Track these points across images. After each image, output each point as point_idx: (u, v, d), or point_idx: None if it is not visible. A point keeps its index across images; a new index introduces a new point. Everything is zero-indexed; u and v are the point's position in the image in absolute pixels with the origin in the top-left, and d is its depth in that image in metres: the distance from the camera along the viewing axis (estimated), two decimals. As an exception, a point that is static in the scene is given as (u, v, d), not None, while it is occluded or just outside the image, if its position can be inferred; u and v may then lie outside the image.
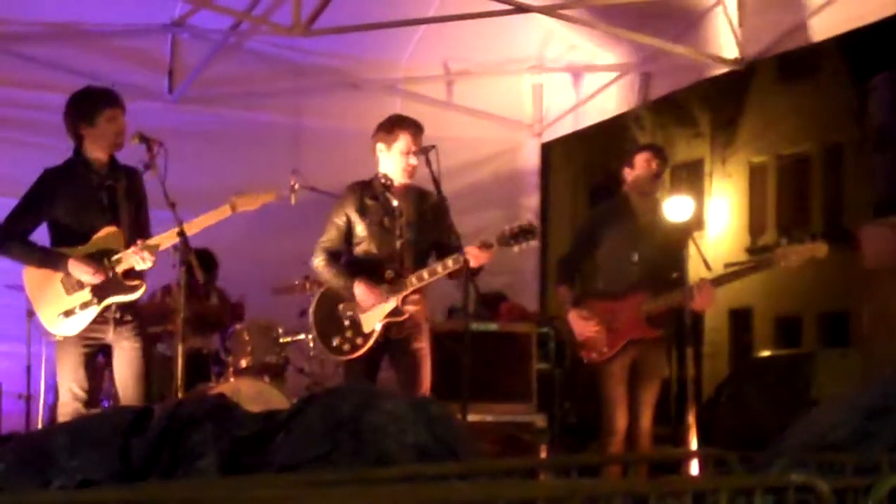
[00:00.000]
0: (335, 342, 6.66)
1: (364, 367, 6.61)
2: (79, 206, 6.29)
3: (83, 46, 9.47)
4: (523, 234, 6.36)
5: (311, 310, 6.89)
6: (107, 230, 6.28)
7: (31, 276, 6.35)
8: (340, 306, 6.65)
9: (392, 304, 6.52)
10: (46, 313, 6.30)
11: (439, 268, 6.44)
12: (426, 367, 6.61)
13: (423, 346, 6.64)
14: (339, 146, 9.74)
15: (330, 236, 6.72)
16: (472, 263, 6.29)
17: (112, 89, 6.49)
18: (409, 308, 6.57)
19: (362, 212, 6.65)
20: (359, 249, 6.67)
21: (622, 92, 10.63)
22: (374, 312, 6.55)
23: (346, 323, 6.62)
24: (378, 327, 6.55)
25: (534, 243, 6.47)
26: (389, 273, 6.55)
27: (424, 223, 6.68)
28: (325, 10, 8.44)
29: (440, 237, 6.67)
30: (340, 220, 6.70)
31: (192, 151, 9.07)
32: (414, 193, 6.71)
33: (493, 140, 11.23)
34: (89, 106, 6.34)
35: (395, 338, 6.61)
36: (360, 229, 6.64)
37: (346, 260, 6.74)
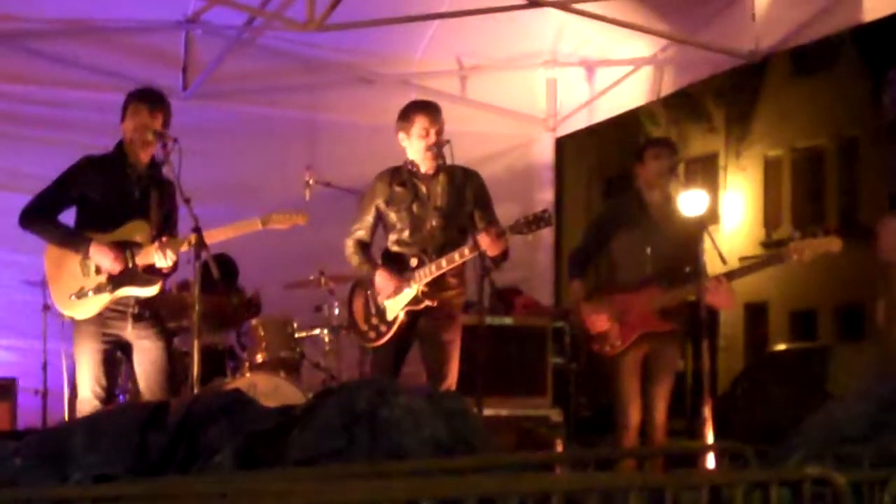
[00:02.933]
0: (363, 328, 6.74)
1: (390, 356, 6.64)
2: (111, 194, 6.37)
3: (97, 43, 9.49)
4: (537, 221, 6.37)
5: (347, 296, 6.95)
6: (135, 222, 6.34)
7: (52, 254, 6.41)
8: (369, 293, 6.69)
9: (413, 291, 6.53)
10: (59, 292, 6.36)
11: (456, 255, 6.45)
12: (454, 360, 6.60)
13: (454, 339, 6.62)
14: (354, 141, 9.75)
15: (359, 226, 6.78)
16: (492, 252, 6.30)
17: (150, 88, 6.60)
18: (444, 295, 6.57)
19: (391, 200, 6.68)
20: (393, 237, 6.71)
21: (636, 86, 10.61)
22: (396, 300, 6.57)
23: (373, 310, 6.67)
24: (401, 315, 6.57)
25: (548, 229, 6.46)
26: (414, 260, 6.57)
27: (453, 205, 6.68)
28: (339, 6, 8.44)
29: (468, 220, 6.66)
30: (369, 213, 6.75)
31: (207, 148, 9.09)
32: (444, 173, 6.69)
33: (507, 135, 11.22)
34: (124, 102, 6.47)
35: (425, 328, 6.62)
36: (392, 218, 6.69)
37: (382, 253, 6.78)
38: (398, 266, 6.61)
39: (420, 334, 6.65)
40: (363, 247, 6.76)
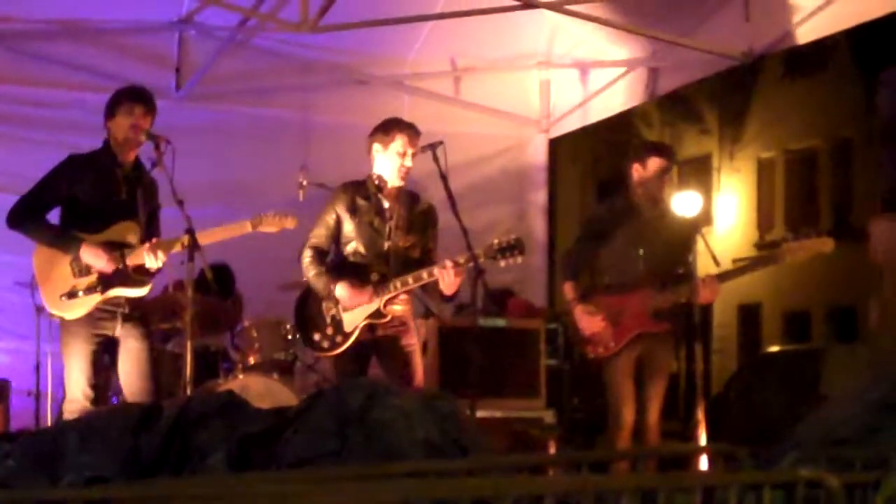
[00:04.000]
0: (315, 337, 6.70)
1: (352, 365, 6.63)
2: (98, 193, 6.35)
3: (90, 44, 9.48)
4: (510, 249, 6.35)
5: (295, 303, 6.93)
6: (124, 223, 6.34)
7: (41, 254, 6.39)
8: (324, 303, 6.67)
9: (375, 305, 6.53)
10: (49, 292, 6.34)
11: (425, 274, 6.43)
12: (417, 364, 6.62)
13: (412, 343, 6.64)
14: (347, 142, 9.68)
15: (318, 233, 6.75)
16: (449, 291, 6.34)
17: (142, 88, 6.57)
18: (395, 309, 6.58)
19: (353, 211, 6.65)
20: (347, 249, 6.69)
21: (630, 87, 10.62)
22: (356, 312, 6.57)
23: (328, 320, 6.65)
24: (360, 327, 6.56)
25: (520, 259, 6.43)
26: (375, 275, 6.56)
27: (414, 228, 6.69)
28: (333, 7, 8.44)
29: (426, 245, 6.70)
30: (330, 218, 6.72)
31: (200, 149, 9.07)
32: (406, 197, 6.72)
33: (501, 136, 11.22)
34: (113, 100, 6.45)
35: (382, 336, 6.61)
36: (350, 228, 6.65)
37: (334, 260, 6.76)
38: (355, 278, 6.60)
39: (377, 345, 6.65)
40: (321, 257, 6.74)
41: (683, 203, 6.80)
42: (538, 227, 11.21)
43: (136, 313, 6.39)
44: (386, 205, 6.66)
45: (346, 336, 6.59)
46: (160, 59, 9.72)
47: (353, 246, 6.65)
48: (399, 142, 6.60)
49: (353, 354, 6.61)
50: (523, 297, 10.46)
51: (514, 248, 6.35)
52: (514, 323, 8.82)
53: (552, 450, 8.23)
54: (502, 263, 6.39)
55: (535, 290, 11.04)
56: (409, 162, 6.59)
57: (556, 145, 11.96)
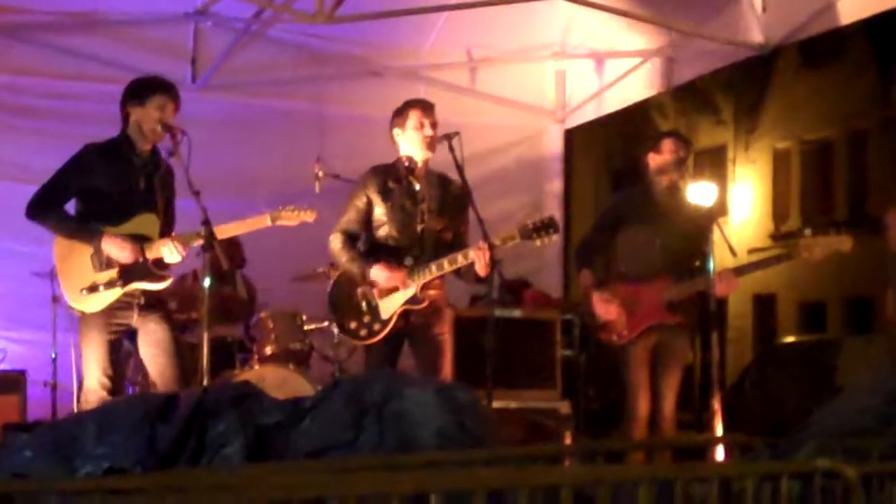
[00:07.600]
0: (352, 325, 6.66)
1: (385, 353, 6.60)
2: (116, 183, 6.30)
3: (106, 36, 9.50)
4: (545, 228, 6.35)
5: (328, 291, 6.89)
6: (144, 216, 6.31)
7: (61, 246, 6.35)
8: (359, 290, 6.64)
9: (412, 290, 6.51)
10: (70, 286, 6.30)
11: (460, 257, 6.41)
12: (447, 353, 6.60)
13: (444, 331, 6.62)
14: (363, 134, 9.73)
15: (349, 217, 6.72)
16: (485, 272, 6.30)
17: (172, 84, 6.50)
18: (430, 293, 6.57)
19: (384, 194, 6.63)
20: (380, 233, 6.65)
21: (645, 78, 10.60)
22: (392, 299, 6.54)
23: (364, 307, 6.62)
24: (397, 314, 6.55)
25: (555, 238, 6.46)
26: (409, 260, 6.54)
27: (447, 210, 6.66)
28: (348, -3, 8.44)
29: (459, 228, 6.68)
30: (360, 202, 6.69)
31: (216, 140, 9.09)
32: (437, 179, 6.69)
33: (517, 126, 11.23)
34: (146, 87, 6.40)
35: (415, 323, 6.59)
36: (381, 212, 6.63)
37: (366, 244, 6.74)
38: (391, 260, 6.58)
39: (410, 331, 6.62)
40: (351, 241, 6.71)
41: (699, 194, 6.78)
42: (553, 217, 11.20)
43: (153, 302, 6.37)
44: (417, 187, 6.64)
45: (384, 323, 6.56)
46: (176, 51, 9.74)
47: (386, 230, 6.62)
48: (414, 116, 6.60)
49: (387, 343, 6.59)
50: (539, 288, 10.46)
51: (548, 227, 6.36)
52: (530, 313, 8.81)
53: (568, 440, 8.22)
54: (538, 243, 6.40)
55: (550, 280, 11.05)
56: (429, 132, 6.57)
57: (571, 136, 11.96)
